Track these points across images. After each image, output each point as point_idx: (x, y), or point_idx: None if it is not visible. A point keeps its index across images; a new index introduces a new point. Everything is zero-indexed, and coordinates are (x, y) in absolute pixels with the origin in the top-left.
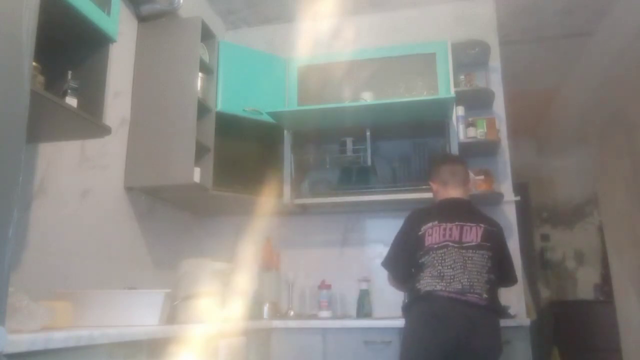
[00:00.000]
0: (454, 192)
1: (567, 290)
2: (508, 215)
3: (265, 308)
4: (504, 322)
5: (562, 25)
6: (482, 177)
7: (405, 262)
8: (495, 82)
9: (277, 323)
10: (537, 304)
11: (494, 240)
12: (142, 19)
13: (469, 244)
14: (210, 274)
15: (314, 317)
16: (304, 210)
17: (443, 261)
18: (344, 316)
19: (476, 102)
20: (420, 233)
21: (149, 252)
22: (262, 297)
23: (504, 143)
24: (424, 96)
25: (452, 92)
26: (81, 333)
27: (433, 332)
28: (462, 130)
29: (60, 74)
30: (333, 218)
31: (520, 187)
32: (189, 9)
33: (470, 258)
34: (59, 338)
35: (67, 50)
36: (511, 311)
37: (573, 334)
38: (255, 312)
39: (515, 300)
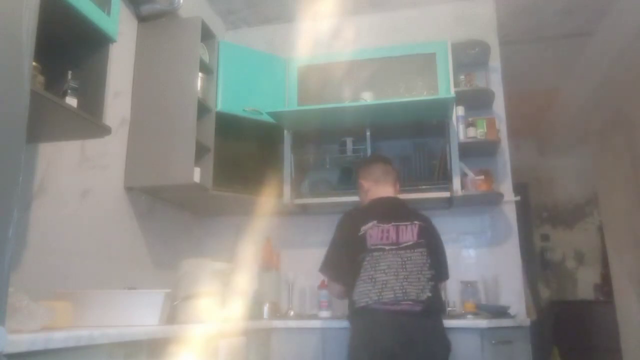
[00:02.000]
0: (386, 190)
1: (567, 290)
2: (508, 215)
3: (265, 308)
4: (504, 322)
5: (562, 25)
6: (482, 177)
7: (347, 266)
8: (495, 82)
9: (277, 323)
10: (537, 304)
11: (429, 236)
12: (142, 19)
13: (407, 243)
14: (210, 274)
15: (314, 317)
16: (304, 210)
17: (377, 265)
18: (344, 316)
19: (476, 102)
20: (360, 234)
21: (149, 252)
22: (262, 297)
23: (504, 143)
24: (424, 96)
25: (452, 92)
26: (81, 333)
27: (368, 350)
28: (462, 130)
29: (60, 74)
30: (333, 218)
31: (520, 187)
32: (189, 9)
33: (409, 259)
34: (59, 338)
35: (67, 50)
36: (511, 311)
37: (573, 334)
38: (255, 312)
39: (515, 300)
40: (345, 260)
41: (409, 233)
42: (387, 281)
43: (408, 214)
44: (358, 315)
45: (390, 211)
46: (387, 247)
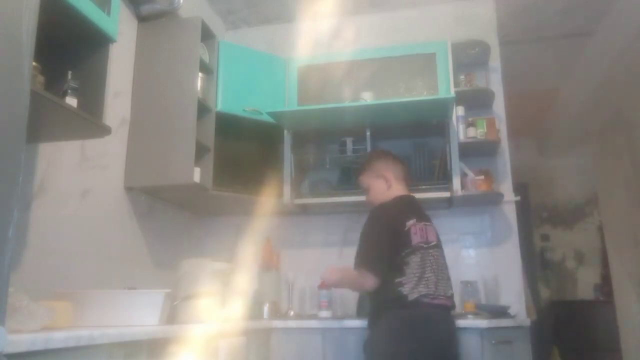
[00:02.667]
0: (405, 189)
1: (567, 290)
2: (508, 215)
3: (265, 308)
4: (504, 322)
5: (562, 25)
6: (482, 177)
7: (388, 262)
8: (495, 82)
9: (277, 323)
10: (537, 304)
11: (439, 239)
12: (142, 19)
13: (432, 243)
14: (210, 274)
15: (314, 317)
16: (304, 210)
17: (423, 262)
18: (344, 316)
19: (476, 102)
20: (405, 229)
21: (149, 252)
22: (262, 297)
23: (504, 143)
24: (424, 96)
25: (452, 92)
26: (81, 333)
27: (424, 341)
28: (462, 130)
29: (60, 74)
30: (333, 218)
31: (520, 187)
32: (189, 9)
33: (436, 257)
34: (59, 338)
35: (67, 50)
36: (511, 311)
37: (573, 334)
38: (255, 312)
39: (515, 300)
40: (389, 256)
41: (432, 233)
42: (429, 278)
43: (426, 215)
44: (409, 307)
45: (418, 210)
46: (424, 245)
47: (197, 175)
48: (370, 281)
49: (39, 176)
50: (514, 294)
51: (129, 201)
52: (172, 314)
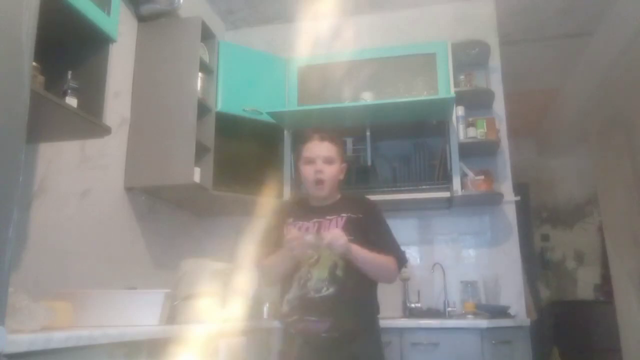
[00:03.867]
0: None
1: (567, 290)
2: (508, 215)
3: (265, 308)
4: (504, 322)
5: (562, 25)
6: (482, 177)
7: None
8: (495, 82)
9: (277, 323)
10: (537, 304)
11: None
12: (142, 19)
13: None
14: (210, 274)
15: None
16: None
17: None
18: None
19: (476, 102)
20: None
21: (149, 252)
22: (262, 297)
23: (504, 143)
24: (424, 96)
25: (452, 92)
26: (81, 333)
27: None
28: (462, 130)
29: (60, 74)
30: None
31: (520, 187)
32: (189, 9)
33: None
34: (59, 338)
35: (67, 50)
36: (511, 311)
37: (573, 334)
38: (255, 312)
39: (515, 300)
40: None
41: None
42: None
43: None
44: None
45: None
46: None
47: (197, 175)
48: (397, 274)
49: (39, 176)
50: (514, 294)
51: (129, 201)
52: (172, 314)
